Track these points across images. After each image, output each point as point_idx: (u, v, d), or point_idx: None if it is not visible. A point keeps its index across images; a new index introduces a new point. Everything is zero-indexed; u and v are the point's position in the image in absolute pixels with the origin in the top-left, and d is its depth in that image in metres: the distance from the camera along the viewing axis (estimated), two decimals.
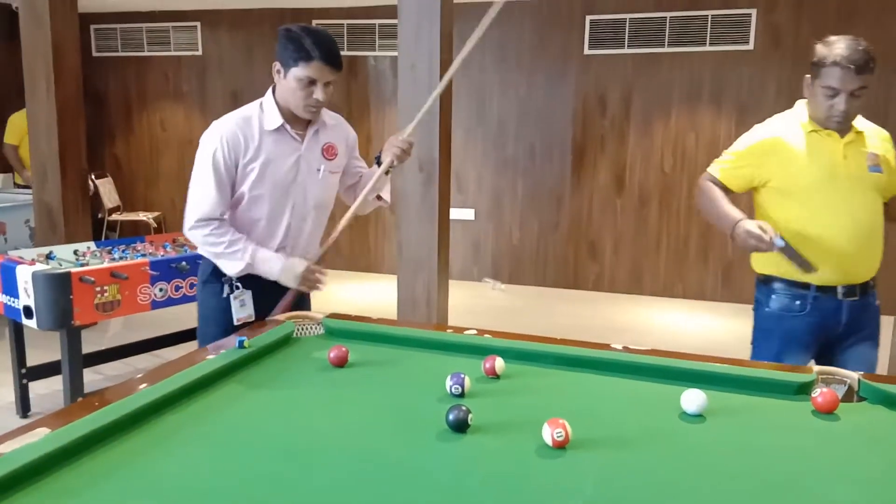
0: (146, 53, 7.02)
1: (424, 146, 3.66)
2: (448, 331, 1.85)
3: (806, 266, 2.02)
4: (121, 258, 3.31)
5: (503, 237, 6.37)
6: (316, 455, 1.20)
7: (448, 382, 1.48)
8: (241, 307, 2.04)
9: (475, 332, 1.82)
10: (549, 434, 1.23)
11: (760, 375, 1.57)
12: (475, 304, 5.70)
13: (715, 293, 5.95)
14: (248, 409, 1.39)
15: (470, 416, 1.29)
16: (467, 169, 6.34)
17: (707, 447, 1.28)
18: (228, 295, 2.04)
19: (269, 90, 1.99)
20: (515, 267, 6.34)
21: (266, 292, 2.05)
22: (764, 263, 2.22)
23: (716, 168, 2.25)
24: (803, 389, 1.52)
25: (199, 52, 6.93)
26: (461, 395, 1.46)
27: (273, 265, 2.00)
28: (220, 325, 2.04)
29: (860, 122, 2.14)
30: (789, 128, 2.15)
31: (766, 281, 2.23)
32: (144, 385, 1.39)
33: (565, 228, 6.21)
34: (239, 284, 2.04)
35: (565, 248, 6.23)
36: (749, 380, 1.56)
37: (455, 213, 5.59)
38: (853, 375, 1.53)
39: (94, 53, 7.08)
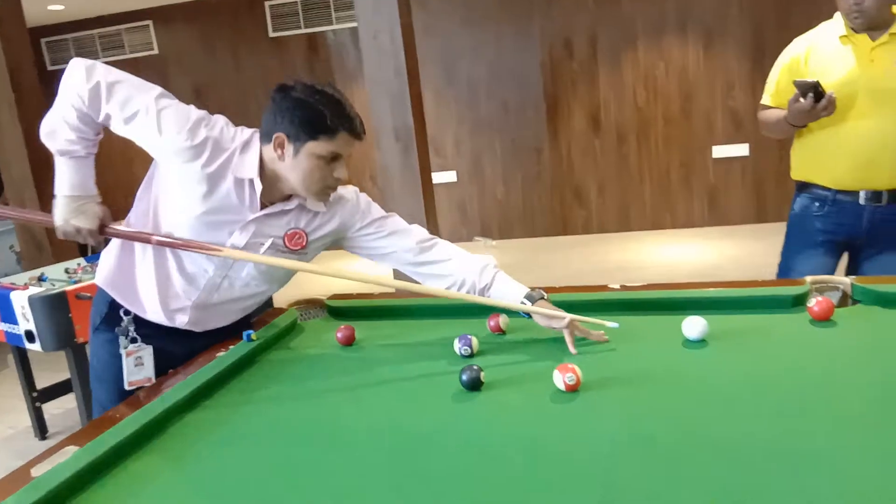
0: (101, 59, 6.87)
1: (398, 115, 3.65)
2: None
3: (809, 86, 2.00)
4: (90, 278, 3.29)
5: (488, 195, 6.38)
6: (342, 435, 1.23)
7: (456, 345, 1.51)
8: (138, 368, 1.62)
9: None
10: (560, 380, 1.27)
11: (756, 293, 1.62)
12: None
13: (703, 219, 6.01)
14: (269, 400, 1.41)
15: (482, 374, 1.33)
16: (444, 133, 6.31)
17: (713, 371, 1.32)
18: (123, 349, 1.61)
19: (256, 138, 1.52)
20: (504, 222, 6.36)
21: (172, 347, 1.65)
22: (797, 169, 2.29)
23: (765, 96, 2.31)
24: (799, 301, 1.56)
25: (156, 51, 6.80)
26: (471, 355, 1.50)
27: (72, 180, 1.52)
28: (110, 385, 1.63)
29: None
30: (822, 36, 2.17)
31: (798, 187, 2.30)
32: (163, 389, 1.41)
33: (548, 178, 6.22)
34: (137, 336, 1.62)
35: (550, 197, 6.25)
36: (745, 299, 1.60)
37: (437, 178, 5.59)
38: (846, 281, 1.57)
39: (49, 67, 6.93)
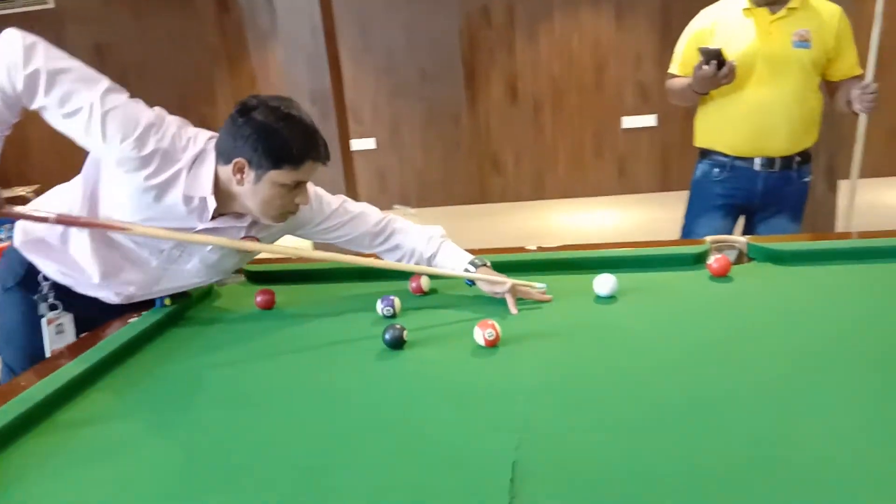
0: None
1: (315, 77, 3.57)
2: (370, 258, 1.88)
3: (712, 53, 2.11)
4: (8, 237, 3.10)
5: (407, 162, 6.37)
6: (267, 398, 1.23)
7: (379, 306, 1.53)
8: (59, 336, 1.54)
9: None
10: (480, 335, 1.32)
11: (660, 252, 1.72)
12: None
13: (612, 187, 6.25)
14: (186, 364, 1.39)
15: (405, 332, 1.35)
16: (361, 99, 6.21)
17: (623, 324, 1.40)
18: (41, 316, 1.53)
19: (210, 151, 1.42)
20: (423, 190, 6.38)
21: (88, 312, 1.57)
22: (699, 137, 2.43)
23: (672, 65, 2.41)
24: (699, 259, 1.67)
25: (51, 5, 6.30)
26: (393, 315, 1.52)
27: None
28: (22, 349, 1.55)
29: (807, 0, 2.20)
30: (727, 9, 2.28)
31: (700, 154, 2.44)
32: (66, 361, 1.35)
33: (466, 146, 6.27)
34: (58, 303, 1.54)
35: (469, 165, 6.31)
36: (651, 258, 1.70)
37: (356, 145, 5.52)
38: (742, 240, 1.70)
39: None
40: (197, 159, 1.40)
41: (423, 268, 1.62)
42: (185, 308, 1.66)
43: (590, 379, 1.18)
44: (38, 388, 1.21)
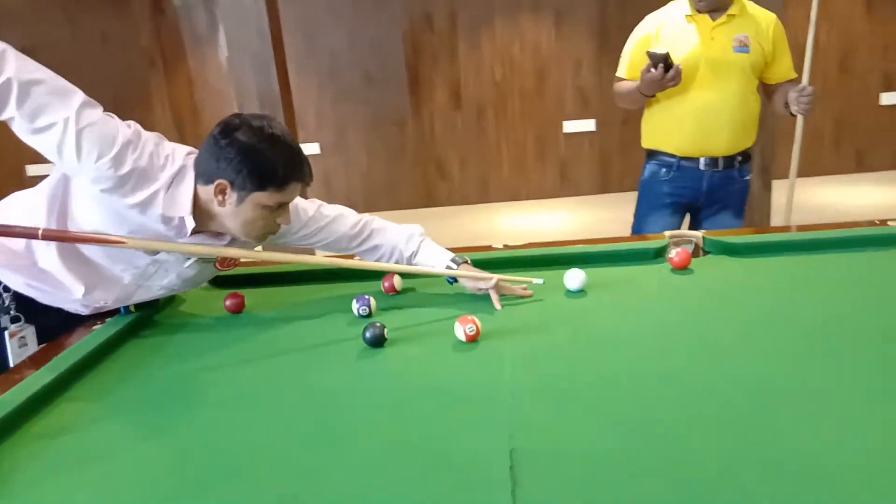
0: None
1: (262, 80, 3.52)
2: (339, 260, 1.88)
3: (660, 57, 2.20)
4: None
5: (353, 167, 6.33)
6: (250, 400, 1.21)
7: (354, 306, 1.53)
8: (22, 349, 1.48)
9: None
10: (461, 331, 1.34)
11: (623, 248, 1.78)
12: None
13: (555, 190, 6.39)
14: (158, 371, 1.36)
15: (385, 330, 1.36)
16: (305, 103, 6.14)
17: (595, 316, 1.45)
18: (3, 329, 1.48)
19: (189, 170, 1.37)
20: (369, 195, 6.36)
21: (53, 324, 1.52)
22: (646, 138, 2.51)
23: (620, 69, 2.49)
24: (660, 253, 1.75)
25: None
26: (369, 315, 1.53)
27: None
28: None
29: (742, 6, 2.32)
30: (671, 14, 2.37)
31: (647, 154, 2.53)
32: (31, 371, 1.29)
33: (412, 150, 6.29)
34: (20, 315, 1.49)
35: (414, 170, 6.33)
36: (615, 253, 1.76)
37: None
38: (698, 234, 1.78)
39: None
40: (175, 178, 1.35)
41: (406, 267, 1.62)
42: (150, 314, 1.62)
43: (571, 369, 1.22)
44: (7, 399, 1.16)
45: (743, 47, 2.30)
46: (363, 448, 1.01)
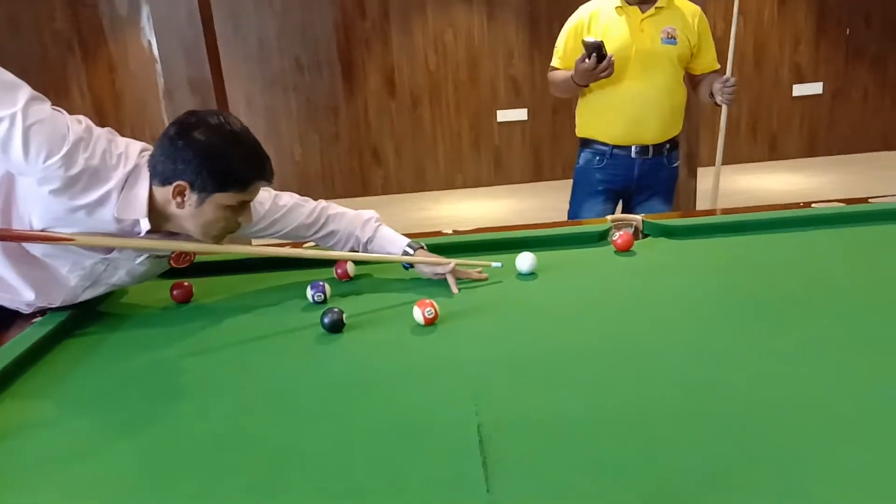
0: None
1: (193, 65, 3.40)
2: (286, 248, 1.86)
3: (594, 45, 2.27)
4: None
5: (284, 155, 6.21)
6: (212, 389, 1.20)
7: (309, 292, 1.52)
8: None
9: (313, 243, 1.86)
10: (420, 314, 1.36)
11: (568, 231, 1.84)
12: None
13: (490, 178, 6.47)
14: (111, 365, 1.31)
15: (344, 315, 1.37)
16: (234, 90, 5.96)
17: (547, 296, 1.50)
18: None
19: (143, 169, 1.32)
20: (302, 184, 6.26)
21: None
22: (581, 127, 2.58)
23: (554, 59, 2.54)
24: (603, 236, 1.82)
25: None
26: (324, 301, 1.52)
27: None
28: None
29: (671, 0, 2.40)
30: (603, 5, 2.43)
31: (581, 143, 2.60)
32: None
33: (346, 138, 6.23)
34: None
35: (349, 158, 6.27)
36: (560, 237, 1.82)
37: None
38: (637, 218, 1.86)
39: None
40: (129, 179, 1.30)
41: (365, 255, 1.62)
42: (93, 305, 1.56)
43: (529, 346, 1.26)
44: None
45: (671, 39, 2.40)
46: (333, 429, 1.02)
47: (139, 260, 1.44)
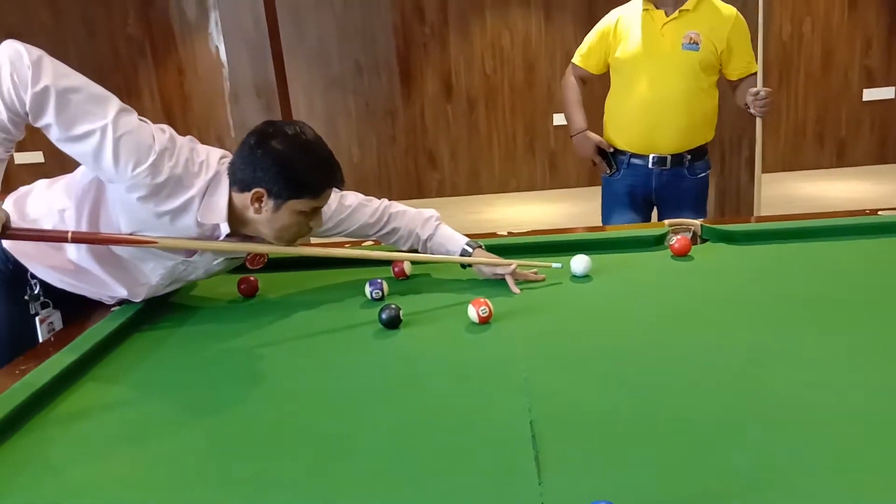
0: None
1: (259, 69, 3.53)
2: (346, 246, 1.92)
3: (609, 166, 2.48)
4: None
5: (343, 157, 6.30)
6: (276, 376, 1.26)
7: (367, 289, 1.57)
8: (51, 333, 1.50)
9: (371, 241, 1.91)
10: (474, 313, 1.39)
11: (624, 234, 1.84)
12: None
13: (544, 182, 6.45)
14: (182, 352, 1.39)
15: (401, 311, 1.41)
16: (295, 92, 6.12)
17: (601, 297, 1.51)
18: (34, 314, 1.49)
19: (224, 176, 1.39)
20: (360, 185, 6.36)
21: (73, 308, 1.55)
22: (605, 133, 2.55)
23: (577, 56, 2.53)
24: (660, 241, 1.81)
25: None
26: (382, 298, 1.57)
27: None
28: (11, 345, 1.45)
29: (703, 1, 2.30)
30: (631, 9, 2.40)
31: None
32: (54, 351, 1.32)
33: (402, 141, 6.31)
34: (49, 301, 1.50)
35: (405, 161, 6.35)
36: (616, 240, 1.82)
37: None
38: (696, 223, 1.84)
39: None
40: (210, 185, 1.38)
41: (425, 256, 1.66)
42: (165, 298, 1.64)
43: (581, 344, 1.28)
44: (33, 378, 1.19)
45: (692, 44, 2.28)
46: (387, 420, 1.06)
47: (217, 261, 1.53)
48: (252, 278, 1.68)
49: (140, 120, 1.33)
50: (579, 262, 1.62)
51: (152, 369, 1.32)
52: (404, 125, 6.27)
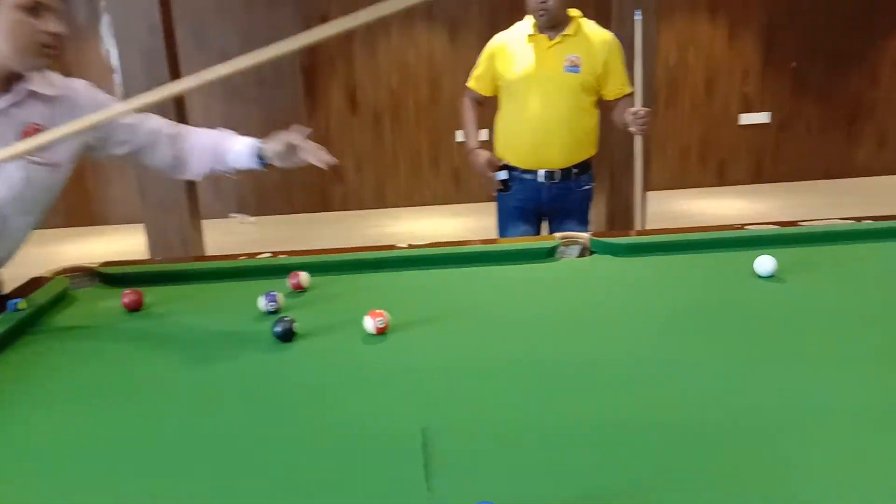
0: None
1: (154, 76, 3.40)
2: (241, 258, 1.87)
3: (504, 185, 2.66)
4: None
5: None
6: (160, 394, 1.21)
7: (261, 302, 1.54)
8: None
9: (269, 254, 1.88)
10: (371, 324, 1.39)
11: (517, 247, 1.90)
12: (227, 241, 5.52)
13: (448, 197, 6.55)
14: (58, 372, 1.31)
15: (294, 324, 1.39)
16: (192, 100, 5.93)
17: (497, 308, 1.55)
18: None
19: None
20: (261, 198, 6.24)
21: None
22: (496, 150, 2.69)
23: (470, 80, 2.69)
24: (551, 253, 1.88)
25: None
26: (276, 311, 1.54)
27: None
28: None
29: (579, 27, 2.50)
30: (515, 33, 2.55)
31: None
32: None
33: None
34: None
35: (309, 173, 6.22)
36: (509, 252, 1.87)
37: None
38: (585, 236, 1.93)
39: None
40: None
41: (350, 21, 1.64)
42: (37, 314, 1.54)
43: (477, 354, 1.30)
44: None
45: (573, 67, 2.49)
46: (279, 433, 1.04)
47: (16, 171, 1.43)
48: (137, 291, 1.61)
49: None
50: (764, 263, 1.61)
51: (31, 387, 1.23)
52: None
